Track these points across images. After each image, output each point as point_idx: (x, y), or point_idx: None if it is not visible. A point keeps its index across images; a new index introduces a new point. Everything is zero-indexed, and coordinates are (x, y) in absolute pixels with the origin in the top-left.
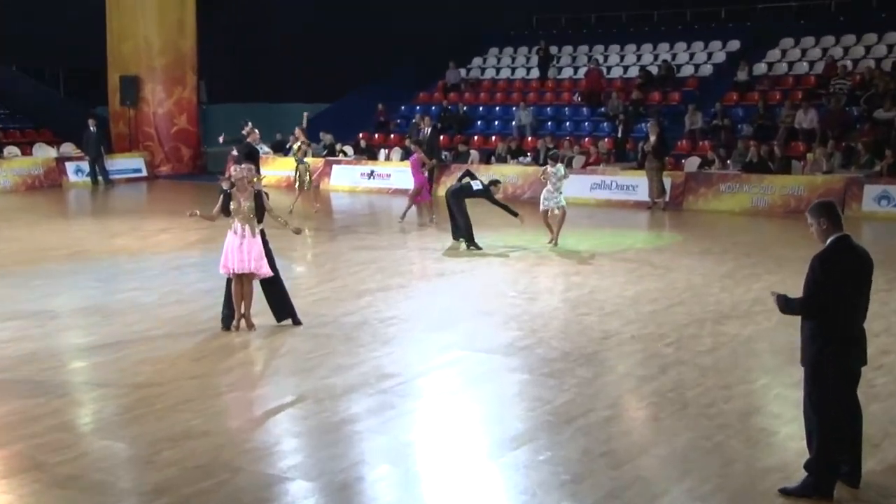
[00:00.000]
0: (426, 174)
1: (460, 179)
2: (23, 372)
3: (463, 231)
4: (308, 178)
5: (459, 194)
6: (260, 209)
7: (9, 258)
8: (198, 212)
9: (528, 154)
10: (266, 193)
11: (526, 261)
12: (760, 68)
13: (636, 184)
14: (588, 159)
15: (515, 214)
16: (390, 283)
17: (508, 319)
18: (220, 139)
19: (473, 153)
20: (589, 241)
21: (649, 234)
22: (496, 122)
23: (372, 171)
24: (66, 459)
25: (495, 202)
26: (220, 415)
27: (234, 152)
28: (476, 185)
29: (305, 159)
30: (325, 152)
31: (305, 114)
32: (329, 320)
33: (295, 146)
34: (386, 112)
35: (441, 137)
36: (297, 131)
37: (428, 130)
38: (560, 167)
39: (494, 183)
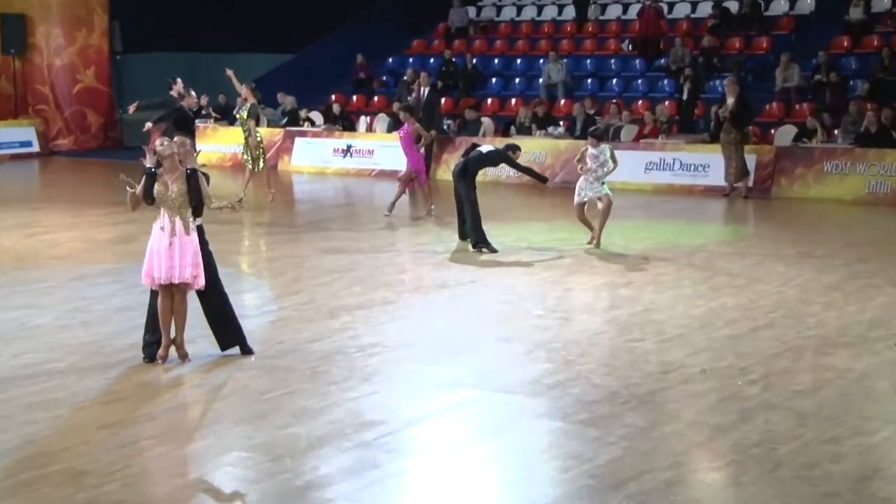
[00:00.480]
0: (422, 151)
1: (465, 154)
2: None
3: (470, 227)
4: (261, 155)
5: (467, 172)
6: (196, 196)
7: None
8: (125, 178)
9: (561, 123)
10: (205, 174)
11: (557, 268)
12: (882, 3)
13: (707, 163)
14: (641, 130)
15: (544, 180)
16: (373, 299)
17: (534, 347)
18: (131, 108)
19: (486, 122)
20: (643, 241)
21: (725, 230)
22: (517, 81)
23: (349, 147)
24: None
25: (516, 165)
26: (140, 479)
27: (160, 120)
28: (487, 148)
29: (258, 130)
30: (284, 121)
31: (230, 71)
32: (290, 349)
33: (242, 112)
34: (367, 66)
35: (442, 101)
36: (244, 90)
37: (425, 91)
38: (605, 149)
39: (512, 148)
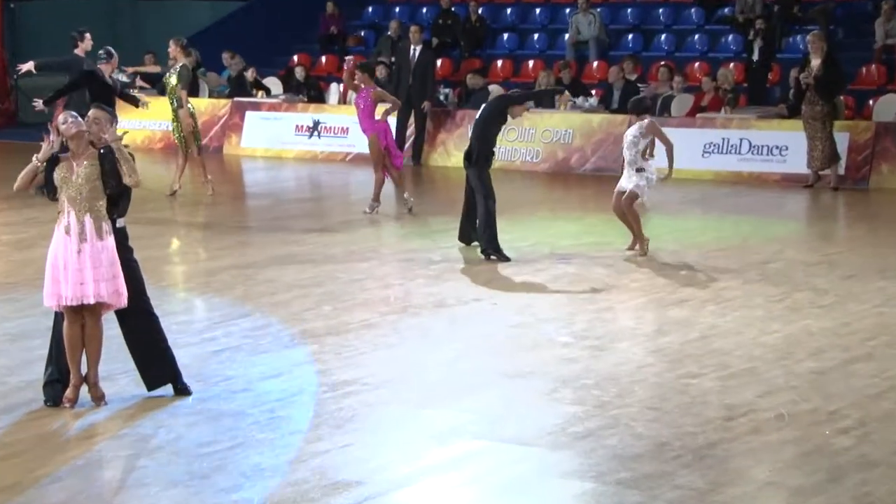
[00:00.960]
0: (388, 121)
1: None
2: None
3: (481, 226)
4: (195, 134)
5: (473, 151)
6: (113, 182)
7: None
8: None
9: (593, 92)
10: (127, 152)
11: (588, 281)
12: None
13: (785, 143)
14: (699, 101)
15: (560, 91)
16: (348, 322)
17: (558, 385)
18: (23, 68)
19: (494, 89)
20: (700, 246)
21: (809, 232)
22: (535, 37)
23: (316, 123)
24: None
25: (523, 97)
26: None
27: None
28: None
29: (189, 102)
30: (228, 90)
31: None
32: (239, 387)
33: (171, 77)
34: (340, 17)
35: (438, 64)
36: (173, 47)
37: (416, 51)
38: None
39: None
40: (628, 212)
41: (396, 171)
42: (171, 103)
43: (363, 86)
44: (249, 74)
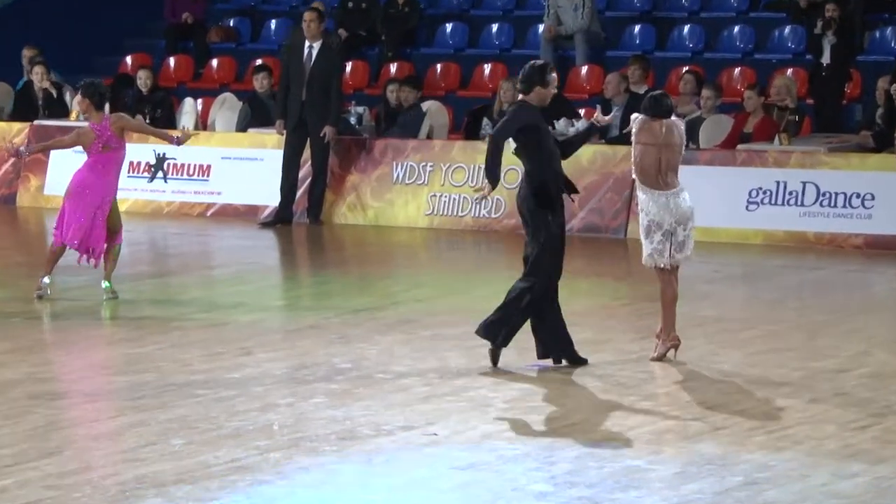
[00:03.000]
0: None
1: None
2: None
3: (557, 341)
4: None
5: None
6: None
7: None
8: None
9: (582, 112)
10: None
11: (575, 396)
12: None
13: (871, 190)
14: (740, 125)
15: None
16: (209, 464)
17: None
18: None
19: (432, 108)
20: (743, 345)
21: None
22: (493, 29)
23: (161, 160)
24: None
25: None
26: None
27: None
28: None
29: None
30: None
31: None
32: None
33: None
34: (197, 1)
35: (348, 68)
36: None
37: (312, 49)
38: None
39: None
40: (663, 300)
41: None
42: None
43: (91, 118)
44: (55, 81)
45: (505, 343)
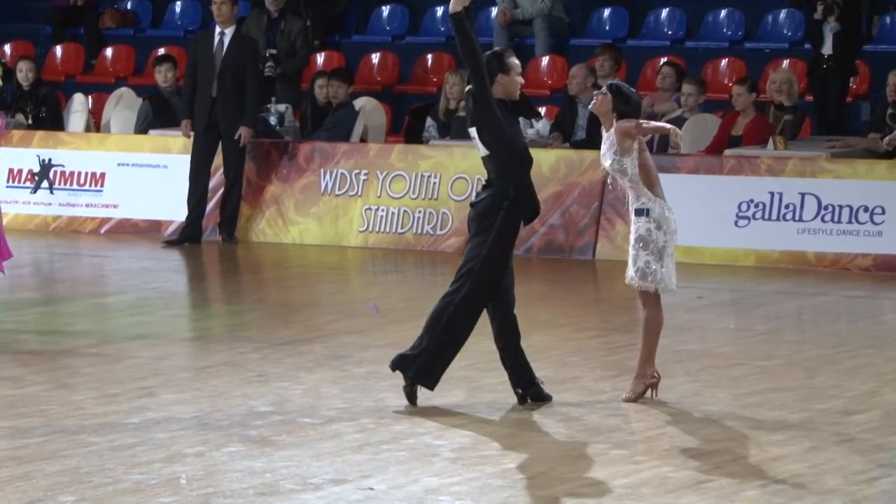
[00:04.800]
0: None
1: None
2: None
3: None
4: None
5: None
6: None
7: None
8: None
9: (542, 112)
10: None
11: (536, 444)
12: None
13: (881, 203)
14: (728, 125)
15: None
16: None
17: None
18: None
19: (365, 106)
20: (733, 384)
21: None
22: (437, 13)
23: (46, 166)
24: None
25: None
26: None
27: None
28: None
29: None
30: None
31: None
32: None
33: None
34: None
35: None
36: None
37: (224, 37)
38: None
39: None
40: (645, 316)
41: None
42: None
43: None
44: None
45: (419, 377)
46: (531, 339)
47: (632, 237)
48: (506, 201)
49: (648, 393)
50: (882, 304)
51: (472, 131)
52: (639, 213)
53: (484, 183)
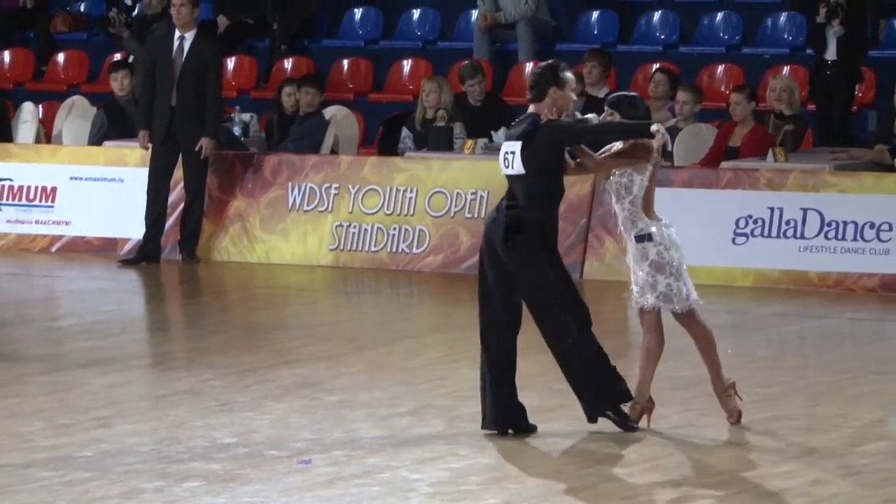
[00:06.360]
0: None
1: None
2: None
3: (582, 371)
4: None
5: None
6: None
7: None
8: None
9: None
10: None
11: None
12: None
13: (888, 219)
14: (725, 136)
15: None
16: None
17: None
18: None
19: (336, 115)
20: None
21: None
22: (413, 16)
23: None
24: None
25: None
26: None
27: None
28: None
29: None
30: None
31: None
32: None
33: None
34: None
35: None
36: None
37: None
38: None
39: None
40: (694, 333)
41: None
42: None
43: None
44: None
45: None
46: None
47: (644, 263)
48: (538, 226)
49: (643, 421)
50: (889, 327)
51: (512, 145)
52: (640, 239)
53: (507, 204)
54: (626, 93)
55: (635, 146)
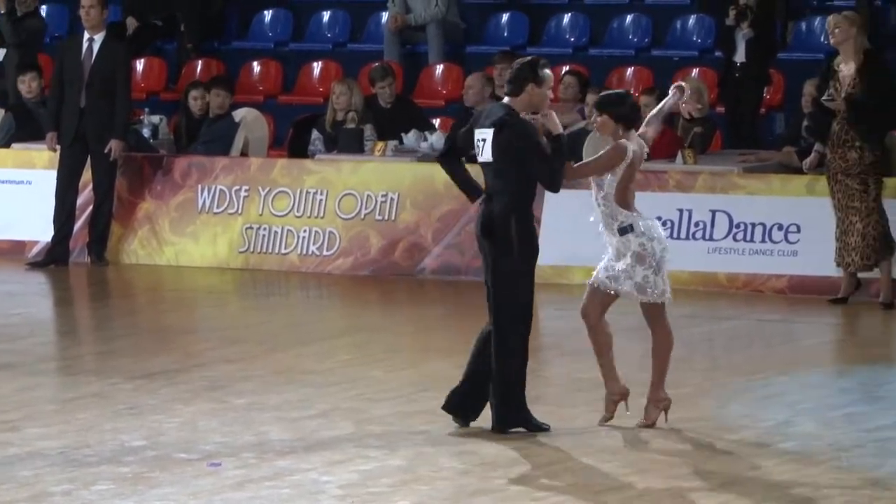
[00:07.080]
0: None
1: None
2: None
3: (501, 381)
4: None
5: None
6: None
7: None
8: None
9: (436, 124)
10: None
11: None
12: None
13: (796, 220)
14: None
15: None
16: None
17: None
18: None
19: (246, 117)
20: (636, 414)
21: (840, 386)
22: (323, 18)
23: None
24: None
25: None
26: None
27: None
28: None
29: None
30: None
31: None
32: None
33: None
34: None
35: (139, 65)
36: None
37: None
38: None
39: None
40: (656, 333)
41: None
42: None
43: None
44: None
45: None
46: (428, 367)
47: (626, 255)
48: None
49: (662, 417)
50: (797, 329)
51: (484, 132)
52: (623, 231)
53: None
54: (611, 91)
55: (606, 154)
